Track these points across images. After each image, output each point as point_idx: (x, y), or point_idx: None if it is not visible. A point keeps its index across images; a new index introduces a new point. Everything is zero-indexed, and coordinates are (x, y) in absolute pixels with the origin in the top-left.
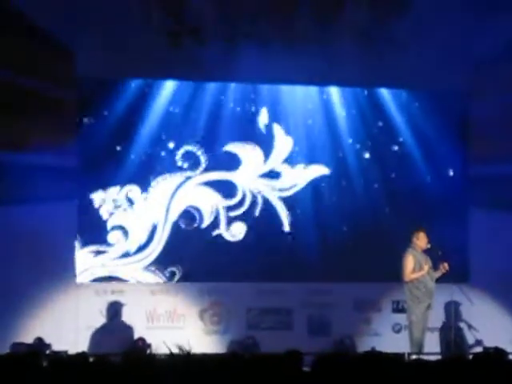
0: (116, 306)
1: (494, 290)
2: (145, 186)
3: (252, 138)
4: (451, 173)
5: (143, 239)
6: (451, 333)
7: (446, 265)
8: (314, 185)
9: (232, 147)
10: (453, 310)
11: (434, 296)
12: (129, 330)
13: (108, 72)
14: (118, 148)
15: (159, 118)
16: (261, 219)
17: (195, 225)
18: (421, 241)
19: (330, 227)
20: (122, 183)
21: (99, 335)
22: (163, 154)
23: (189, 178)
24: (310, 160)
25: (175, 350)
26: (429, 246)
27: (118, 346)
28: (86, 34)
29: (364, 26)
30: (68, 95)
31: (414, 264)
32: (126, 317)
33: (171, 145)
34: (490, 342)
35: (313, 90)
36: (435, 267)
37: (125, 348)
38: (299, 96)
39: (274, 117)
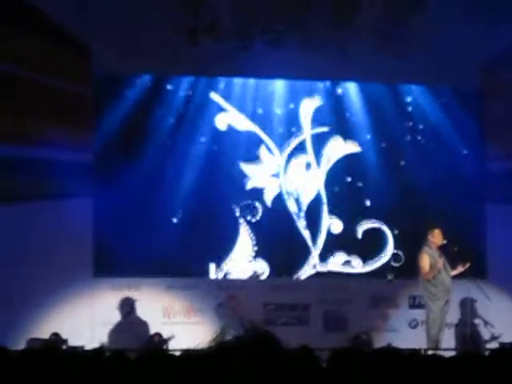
0: (132, 301)
1: None
2: None
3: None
4: (468, 169)
5: None
6: (467, 329)
7: (466, 264)
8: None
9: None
10: (469, 307)
11: (452, 292)
12: (145, 325)
13: (124, 69)
14: (132, 145)
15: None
16: None
17: None
18: (436, 238)
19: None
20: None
21: (115, 330)
22: None
23: None
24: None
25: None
26: (444, 242)
27: (135, 341)
28: (102, 32)
29: (380, 25)
30: (84, 92)
31: (430, 262)
32: (143, 312)
33: None
34: (507, 338)
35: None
36: (451, 263)
37: (141, 343)
38: None
39: None
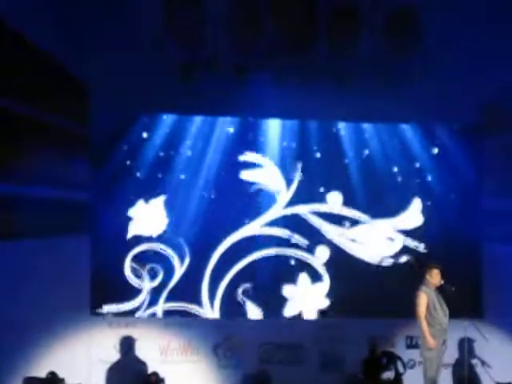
0: (129, 339)
1: (509, 325)
2: None
3: None
4: (464, 207)
5: None
6: (464, 369)
7: None
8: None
9: None
10: (466, 347)
11: (448, 332)
12: (142, 364)
13: (121, 107)
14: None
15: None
16: None
17: None
18: (434, 278)
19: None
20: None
21: (112, 369)
22: None
23: None
24: None
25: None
26: (442, 282)
27: (132, 380)
28: (100, 71)
29: (380, 60)
30: (82, 130)
31: (427, 302)
32: (140, 351)
33: None
34: (503, 379)
35: None
36: (448, 303)
37: (138, 382)
38: None
39: None
